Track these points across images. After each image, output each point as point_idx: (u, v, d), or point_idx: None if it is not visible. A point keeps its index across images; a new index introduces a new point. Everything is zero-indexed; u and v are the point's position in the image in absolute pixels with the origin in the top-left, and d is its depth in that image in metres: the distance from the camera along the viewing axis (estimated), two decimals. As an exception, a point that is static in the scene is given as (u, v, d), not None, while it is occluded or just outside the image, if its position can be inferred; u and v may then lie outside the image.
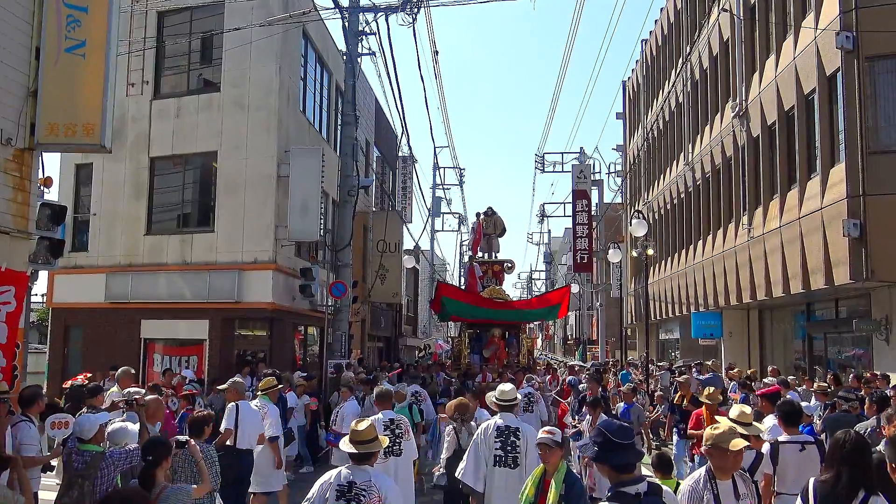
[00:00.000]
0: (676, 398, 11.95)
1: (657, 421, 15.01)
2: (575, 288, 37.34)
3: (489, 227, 25.04)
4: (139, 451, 5.59)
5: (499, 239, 25.37)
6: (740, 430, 5.90)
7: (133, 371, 10.75)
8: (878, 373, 12.49)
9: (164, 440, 5.49)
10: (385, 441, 5.19)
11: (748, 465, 5.81)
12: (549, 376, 20.28)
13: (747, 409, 6.08)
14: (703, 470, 4.66)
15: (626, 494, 3.45)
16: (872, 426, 7.21)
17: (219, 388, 9.91)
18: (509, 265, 25.22)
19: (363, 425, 4.90)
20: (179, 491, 5.02)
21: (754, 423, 6.15)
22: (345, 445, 4.92)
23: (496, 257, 25.12)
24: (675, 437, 11.71)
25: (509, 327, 22.80)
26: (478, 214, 25.42)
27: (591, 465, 8.91)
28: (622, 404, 11.94)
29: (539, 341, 59.37)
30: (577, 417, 10.22)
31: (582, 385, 14.75)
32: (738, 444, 4.46)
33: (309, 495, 4.81)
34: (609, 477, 3.63)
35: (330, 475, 4.83)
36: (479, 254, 25.18)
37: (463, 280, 32.15)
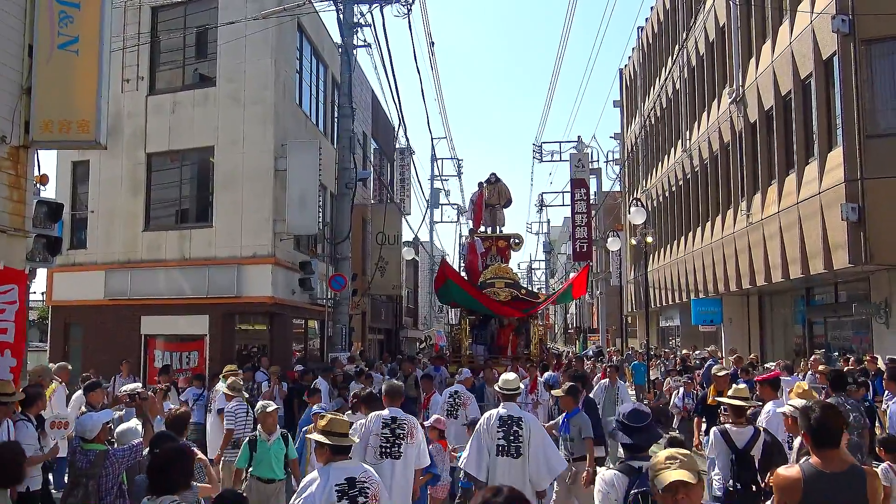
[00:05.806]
0: (710, 396, 9.43)
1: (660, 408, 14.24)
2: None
3: (493, 197, 21.86)
4: (142, 446, 5.57)
5: (504, 210, 22.25)
6: (739, 403, 5.84)
7: (70, 367, 10.81)
8: (878, 356, 12.51)
9: (173, 435, 5.47)
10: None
11: (745, 442, 5.70)
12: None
13: (742, 385, 6.12)
14: None
15: (630, 466, 3.90)
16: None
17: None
18: (517, 240, 21.88)
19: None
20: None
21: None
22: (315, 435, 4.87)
23: (501, 231, 22.12)
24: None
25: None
26: (480, 184, 22.43)
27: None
28: None
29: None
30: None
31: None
32: (666, 477, 3.03)
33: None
34: (624, 454, 4.23)
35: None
36: (482, 228, 22.15)
37: (462, 259, 29.36)
